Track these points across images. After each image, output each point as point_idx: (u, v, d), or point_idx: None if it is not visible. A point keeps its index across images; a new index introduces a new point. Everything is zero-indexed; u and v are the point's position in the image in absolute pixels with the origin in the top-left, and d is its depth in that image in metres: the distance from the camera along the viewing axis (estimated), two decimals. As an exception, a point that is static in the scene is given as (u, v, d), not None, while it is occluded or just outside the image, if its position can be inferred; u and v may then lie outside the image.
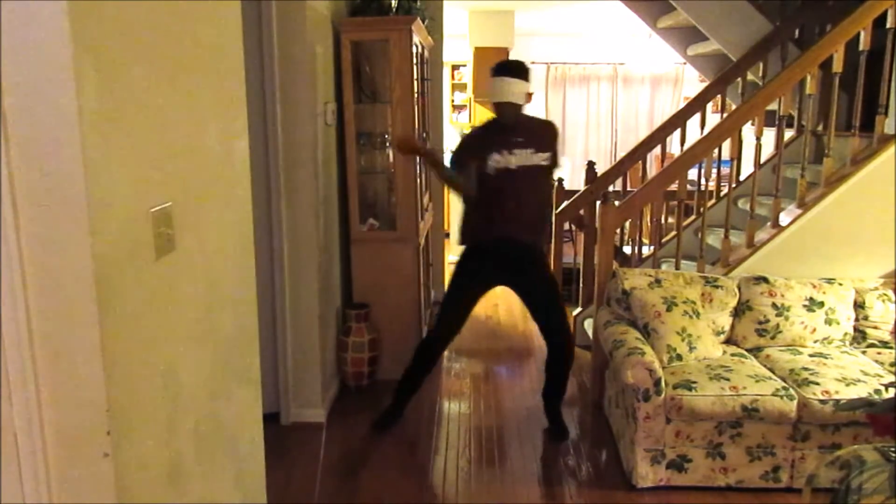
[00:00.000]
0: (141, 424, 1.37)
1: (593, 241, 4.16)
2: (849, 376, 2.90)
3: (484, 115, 8.22)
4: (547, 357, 3.41)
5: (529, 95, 3.18)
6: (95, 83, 1.18)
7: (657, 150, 5.32)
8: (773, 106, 3.82)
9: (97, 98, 1.19)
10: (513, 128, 3.16)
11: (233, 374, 1.86)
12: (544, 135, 3.25)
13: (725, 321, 3.39)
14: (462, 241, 3.34)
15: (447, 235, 6.79)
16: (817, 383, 2.84)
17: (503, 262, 3.25)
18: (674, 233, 4.17)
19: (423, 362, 3.42)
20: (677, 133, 4.92)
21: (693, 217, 4.87)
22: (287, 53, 3.14)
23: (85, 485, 1.26)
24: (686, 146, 4.55)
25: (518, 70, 3.13)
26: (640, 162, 5.19)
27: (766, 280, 3.38)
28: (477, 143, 3.25)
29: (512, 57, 7.87)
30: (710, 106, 5.04)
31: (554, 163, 3.25)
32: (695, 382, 2.84)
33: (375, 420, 3.45)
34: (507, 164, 3.13)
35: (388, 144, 3.97)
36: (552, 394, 3.46)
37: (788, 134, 4.44)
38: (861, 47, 3.44)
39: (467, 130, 3.40)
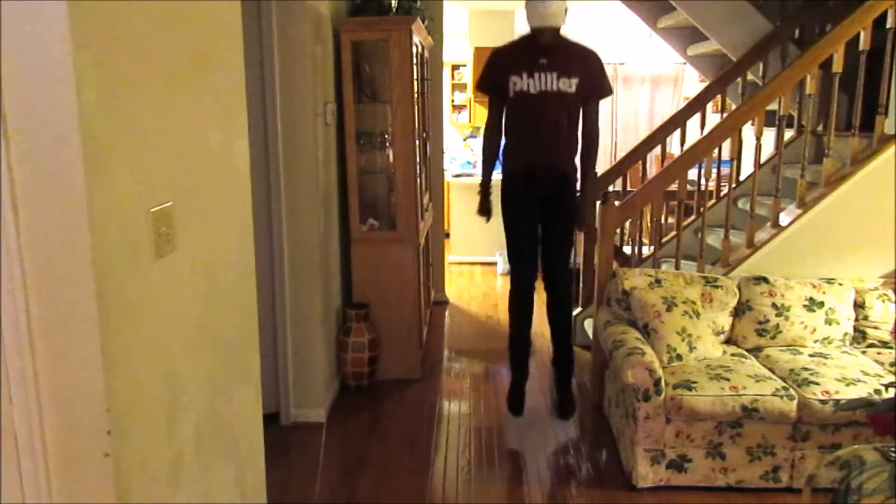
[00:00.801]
0: (141, 424, 1.37)
1: (593, 241, 4.16)
2: (849, 376, 2.90)
3: (484, 115, 8.23)
4: (547, 305, 3.39)
5: (566, 12, 3.00)
6: (95, 83, 1.18)
7: (657, 150, 5.32)
8: (773, 106, 3.82)
9: (97, 98, 1.19)
10: (540, 50, 2.98)
11: (233, 374, 1.86)
12: (577, 60, 3.04)
13: (725, 321, 3.39)
14: (502, 175, 3.28)
15: (447, 235, 6.80)
16: (817, 383, 2.84)
17: (534, 190, 3.17)
18: (674, 233, 4.17)
19: (522, 315, 3.38)
20: (677, 133, 4.92)
21: (693, 217, 4.87)
22: (287, 53, 3.14)
23: (85, 485, 1.26)
24: (686, 146, 4.55)
25: None
26: (640, 162, 5.19)
27: (766, 280, 3.38)
28: (500, 62, 3.10)
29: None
30: (710, 106, 5.04)
31: (591, 93, 3.05)
32: (695, 382, 2.84)
33: (510, 402, 3.43)
34: (525, 88, 2.99)
35: (388, 144, 3.97)
36: (560, 359, 3.45)
37: (788, 134, 4.44)
38: (861, 47, 3.44)
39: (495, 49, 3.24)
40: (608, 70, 9.66)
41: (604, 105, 9.97)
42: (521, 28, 7.90)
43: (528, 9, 2.98)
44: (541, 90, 2.99)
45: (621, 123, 9.13)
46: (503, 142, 3.25)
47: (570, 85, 2.99)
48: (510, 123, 3.11)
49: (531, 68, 2.98)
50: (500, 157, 3.28)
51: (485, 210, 3.37)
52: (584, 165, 3.21)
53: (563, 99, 3.01)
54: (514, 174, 3.21)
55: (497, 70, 3.10)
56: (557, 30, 2.98)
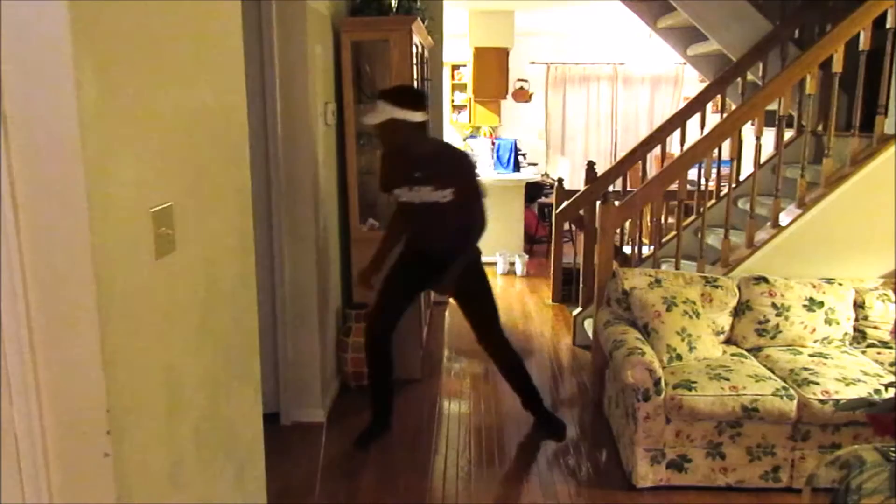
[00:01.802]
0: (141, 424, 1.37)
1: (593, 241, 4.16)
2: (849, 376, 2.90)
3: (484, 115, 8.23)
4: (498, 368, 3.41)
5: (406, 123, 2.93)
6: (95, 83, 1.18)
7: (657, 150, 5.32)
8: (772, 106, 3.82)
9: (97, 98, 1.19)
10: (415, 160, 3.05)
11: (233, 374, 1.86)
12: (445, 169, 3.07)
13: (725, 321, 3.39)
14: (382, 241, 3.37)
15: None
16: (817, 383, 2.84)
17: (428, 272, 3.20)
18: (674, 233, 4.18)
19: (376, 361, 3.33)
20: (677, 133, 4.93)
21: (693, 217, 4.87)
22: (287, 53, 3.14)
23: (85, 485, 1.26)
24: (686, 146, 4.55)
25: (390, 95, 2.98)
26: (640, 162, 5.20)
27: (765, 280, 3.38)
28: (387, 172, 3.22)
29: (511, 56, 7.92)
30: (710, 106, 5.04)
31: (464, 196, 3.06)
32: (695, 382, 2.84)
33: (359, 436, 3.30)
34: (409, 199, 3.10)
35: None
36: (528, 402, 3.42)
37: (788, 134, 4.44)
38: (861, 47, 3.44)
39: (382, 153, 3.34)
40: (608, 70, 9.61)
41: (604, 105, 9.95)
42: (521, 28, 7.91)
43: (380, 112, 2.97)
44: (422, 201, 3.09)
45: (621, 123, 9.14)
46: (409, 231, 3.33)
47: (444, 196, 3.05)
48: (405, 216, 3.25)
49: (410, 182, 3.07)
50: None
51: (372, 270, 3.34)
52: (462, 242, 3.17)
53: (443, 207, 3.07)
54: (412, 252, 3.30)
55: (387, 179, 3.23)
56: (417, 126, 2.97)
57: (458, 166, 3.13)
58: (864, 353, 3.26)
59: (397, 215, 3.34)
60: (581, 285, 4.78)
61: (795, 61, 3.62)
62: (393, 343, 3.33)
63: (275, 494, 2.62)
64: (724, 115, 4.60)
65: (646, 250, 4.98)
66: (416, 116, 2.95)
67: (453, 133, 8.43)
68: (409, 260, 3.31)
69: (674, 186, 3.91)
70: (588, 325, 4.44)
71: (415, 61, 3.80)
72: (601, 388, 3.66)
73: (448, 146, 3.21)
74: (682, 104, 5.75)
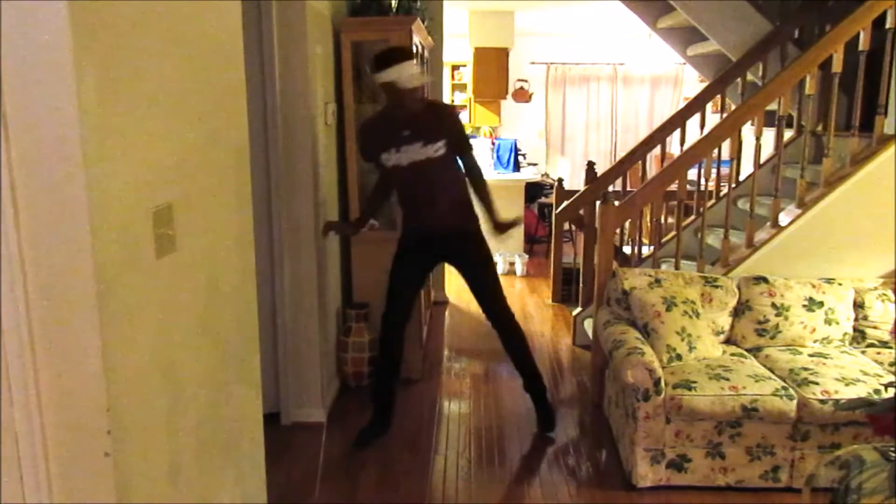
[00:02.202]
0: (141, 424, 1.37)
1: (593, 241, 4.16)
2: (848, 376, 2.90)
3: (484, 115, 8.23)
4: (501, 342, 3.41)
5: (394, 84, 2.95)
6: (95, 83, 1.18)
7: (657, 150, 5.32)
8: (772, 106, 3.82)
9: (97, 98, 1.19)
10: (400, 121, 3.03)
11: (233, 374, 1.86)
12: (436, 122, 3.08)
13: (725, 321, 3.39)
14: (401, 232, 3.35)
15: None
16: (817, 383, 2.84)
17: (430, 251, 3.26)
18: (673, 233, 4.17)
19: (389, 357, 3.35)
20: (677, 133, 4.93)
21: (693, 217, 4.87)
22: (287, 53, 3.14)
23: (85, 485, 1.26)
24: (686, 146, 4.55)
25: (401, 54, 2.98)
26: (640, 162, 5.19)
27: (765, 280, 3.38)
28: (369, 139, 3.18)
29: (511, 56, 7.92)
30: (709, 106, 5.04)
31: (457, 148, 3.09)
32: (694, 382, 2.84)
33: (359, 434, 3.30)
34: (398, 163, 3.06)
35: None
36: (530, 384, 3.44)
37: (788, 134, 4.45)
38: (861, 47, 3.44)
39: (362, 122, 3.34)
40: (608, 70, 9.60)
41: (604, 105, 9.96)
42: (521, 28, 7.91)
43: (377, 79, 3.00)
44: (412, 161, 3.05)
45: (621, 123, 9.14)
46: (399, 206, 3.32)
47: (437, 149, 3.04)
48: (398, 194, 3.23)
49: (397, 143, 3.04)
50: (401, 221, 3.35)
51: (332, 228, 3.37)
52: (484, 204, 3.23)
53: (434, 163, 3.06)
54: (409, 237, 3.29)
55: (369, 147, 3.19)
56: (414, 91, 3.01)
57: (446, 117, 3.15)
58: (863, 353, 3.26)
59: (377, 190, 3.29)
60: (581, 285, 4.78)
61: (795, 61, 3.62)
62: (404, 342, 3.35)
63: (275, 494, 2.62)
64: (724, 115, 4.59)
65: (646, 250, 4.98)
66: (415, 68, 2.98)
67: (453, 133, 8.42)
68: (409, 247, 3.27)
69: (674, 186, 3.91)
70: (588, 325, 4.44)
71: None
72: (601, 388, 3.66)
73: (434, 101, 3.18)
74: (682, 104, 5.76)
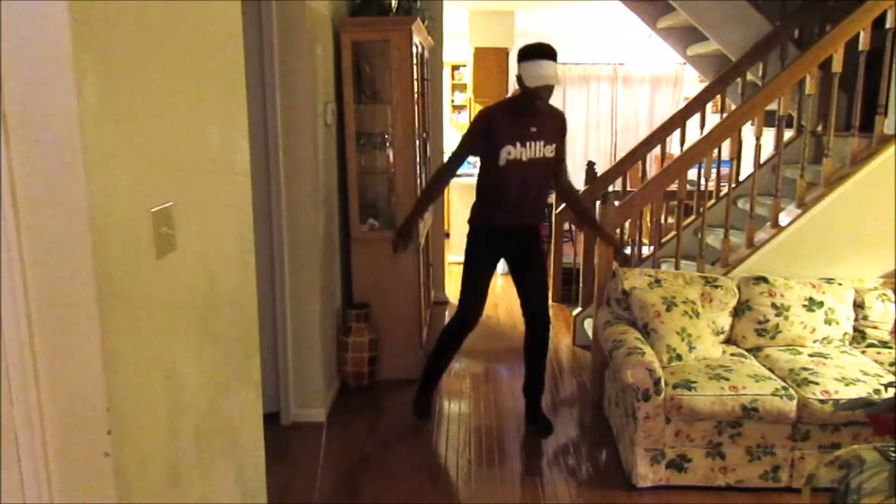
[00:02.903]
0: (141, 424, 1.37)
1: (593, 241, 4.16)
2: (848, 376, 2.90)
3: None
4: (525, 341, 3.45)
5: (557, 78, 3.08)
6: (95, 83, 1.18)
7: (657, 150, 5.33)
8: (772, 106, 3.82)
9: (97, 98, 1.19)
10: (533, 116, 3.07)
11: (233, 374, 1.86)
12: (555, 125, 3.19)
13: (725, 321, 3.39)
14: (470, 222, 3.34)
15: (447, 235, 6.79)
16: (817, 383, 2.84)
17: (506, 245, 3.32)
18: (674, 233, 4.18)
19: (450, 348, 3.46)
20: (677, 133, 4.93)
21: (693, 217, 4.87)
22: (287, 53, 3.14)
23: (85, 485, 1.26)
24: (686, 146, 4.55)
25: (552, 52, 3.02)
26: (640, 162, 5.19)
27: (765, 280, 3.38)
28: (495, 129, 3.11)
29: (511, 56, 7.91)
30: (709, 106, 5.04)
31: (559, 155, 3.23)
32: (694, 382, 2.84)
33: (416, 409, 3.51)
34: (518, 157, 3.09)
35: (388, 144, 3.97)
36: (532, 386, 3.48)
37: (788, 134, 4.45)
38: (861, 47, 3.44)
39: (483, 109, 3.29)
40: (608, 70, 9.60)
41: (604, 105, 9.95)
42: (521, 28, 7.91)
43: (524, 69, 3.01)
44: (531, 158, 3.11)
45: (621, 123, 9.14)
46: (479, 196, 3.32)
47: (551, 150, 3.16)
48: (492, 183, 3.20)
49: (524, 138, 3.07)
50: (475, 208, 3.34)
51: (406, 237, 3.30)
52: (584, 218, 3.50)
53: (545, 164, 3.16)
54: (488, 229, 3.31)
55: (492, 137, 3.11)
56: (552, 90, 3.07)
57: (562, 123, 3.24)
58: (863, 352, 3.26)
59: (446, 173, 3.29)
60: (581, 285, 4.78)
61: (795, 61, 3.63)
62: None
63: (275, 494, 2.62)
64: (724, 115, 4.60)
65: (646, 250, 4.98)
66: (538, 70, 2.98)
67: (453, 133, 8.43)
68: (488, 241, 3.31)
69: (674, 186, 3.91)
70: (588, 325, 4.44)
71: (415, 61, 3.80)
72: (601, 388, 3.66)
73: (551, 105, 3.18)
74: (682, 104, 5.76)
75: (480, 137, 3.14)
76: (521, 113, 3.09)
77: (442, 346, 3.46)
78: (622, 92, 9.05)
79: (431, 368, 3.52)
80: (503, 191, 3.16)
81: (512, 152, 3.08)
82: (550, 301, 5.61)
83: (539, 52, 3.00)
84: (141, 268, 1.36)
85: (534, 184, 3.18)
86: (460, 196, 6.77)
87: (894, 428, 2.07)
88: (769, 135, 4.51)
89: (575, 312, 4.74)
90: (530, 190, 3.19)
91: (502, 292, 5.84)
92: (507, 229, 3.28)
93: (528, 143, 3.08)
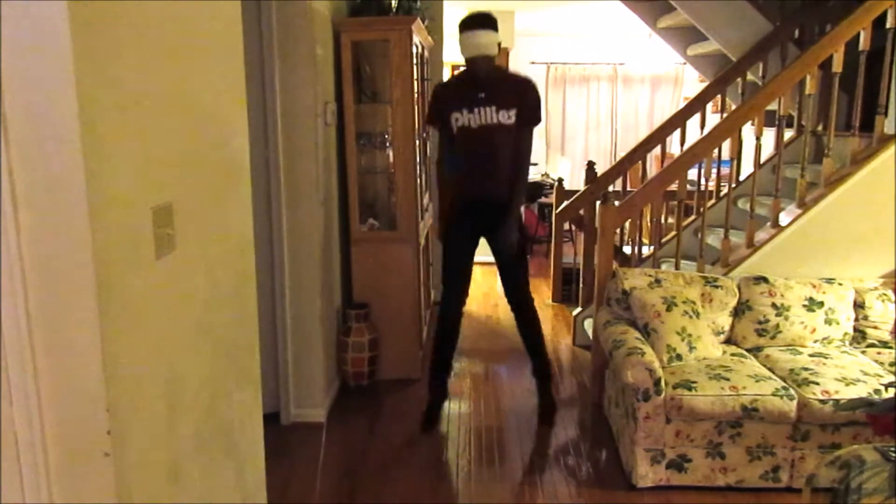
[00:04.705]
0: (141, 424, 1.37)
1: (593, 241, 4.16)
2: (849, 376, 2.90)
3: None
4: (516, 324, 3.48)
5: (499, 46, 3.10)
6: (95, 83, 1.18)
7: (657, 150, 5.32)
8: (772, 106, 3.82)
9: (97, 97, 1.19)
10: (479, 84, 3.09)
11: (233, 374, 1.86)
12: (513, 91, 3.13)
13: (725, 321, 3.39)
14: (440, 199, 3.39)
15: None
16: (817, 383, 2.84)
17: (478, 220, 3.30)
18: (674, 233, 4.17)
19: (446, 336, 3.46)
20: (677, 133, 4.93)
21: (693, 217, 4.87)
22: (287, 53, 3.14)
23: (85, 485, 1.26)
24: (686, 146, 4.55)
25: (488, 21, 3.05)
26: (640, 162, 5.19)
27: (765, 280, 3.38)
28: (441, 98, 3.24)
29: (511, 56, 7.92)
30: (710, 106, 5.04)
31: (526, 120, 3.13)
32: (695, 382, 2.84)
33: (423, 419, 3.45)
34: (467, 123, 3.10)
35: (388, 144, 3.97)
36: (537, 368, 3.52)
37: (788, 134, 4.44)
38: (861, 47, 3.44)
39: (437, 83, 3.44)
40: (608, 70, 9.59)
41: (604, 105, 9.94)
42: (521, 28, 7.91)
43: (460, 42, 3.09)
44: (481, 124, 3.10)
45: (621, 123, 9.14)
46: (449, 171, 3.37)
47: (508, 117, 3.10)
48: (455, 156, 3.24)
49: (471, 104, 3.09)
50: (445, 185, 3.41)
51: (444, 228, 3.43)
52: (512, 188, 3.21)
53: (503, 131, 3.12)
54: (457, 204, 3.34)
55: (440, 106, 3.22)
56: (492, 60, 3.07)
57: (525, 89, 3.17)
58: (864, 353, 3.26)
59: (442, 164, 3.31)
60: (581, 285, 4.78)
61: (795, 61, 3.62)
62: (462, 316, 3.45)
63: (275, 494, 2.62)
64: (724, 115, 4.60)
65: (646, 250, 4.97)
66: (499, 37, 3.04)
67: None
68: (461, 215, 3.32)
69: (674, 186, 3.91)
70: (588, 325, 4.44)
71: (415, 61, 3.80)
72: (601, 388, 3.66)
73: (512, 72, 3.24)
74: (682, 104, 5.75)
75: (432, 108, 3.28)
76: (469, 82, 3.13)
77: (435, 343, 3.49)
78: (622, 92, 9.05)
79: (433, 366, 3.54)
80: (462, 160, 3.20)
81: (460, 119, 3.11)
82: (551, 301, 5.61)
83: (473, 22, 3.04)
84: (141, 268, 1.36)
85: (491, 151, 3.14)
86: (460, 196, 6.76)
87: (894, 428, 2.06)
88: (769, 135, 4.51)
89: (575, 312, 4.73)
90: (489, 159, 3.15)
91: (501, 291, 5.84)
92: (475, 200, 3.26)
93: (475, 109, 3.09)
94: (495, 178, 3.19)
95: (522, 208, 3.61)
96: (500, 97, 3.08)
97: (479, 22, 3.03)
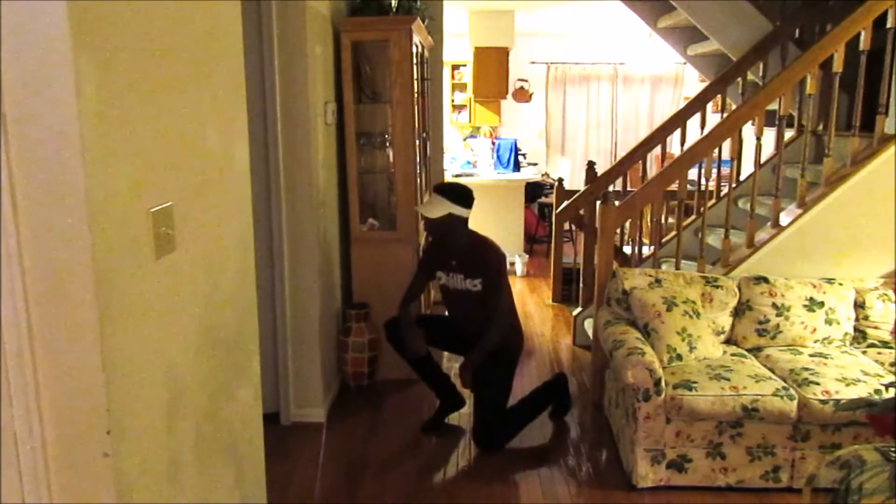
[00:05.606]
0: (141, 424, 1.37)
1: (593, 241, 4.16)
2: (849, 376, 2.89)
3: (484, 115, 8.23)
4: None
5: (450, 215, 3.15)
6: (95, 83, 1.18)
7: (657, 150, 5.32)
8: (773, 106, 3.82)
9: (97, 98, 1.19)
10: (450, 251, 3.29)
11: (233, 374, 1.86)
12: (477, 261, 3.24)
13: (725, 321, 3.39)
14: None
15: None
16: (817, 383, 2.84)
17: (461, 338, 3.39)
18: (674, 233, 4.17)
19: (424, 377, 3.52)
20: (677, 133, 4.93)
21: (693, 217, 4.87)
22: (287, 53, 3.14)
23: (85, 485, 1.26)
24: (686, 146, 4.55)
25: (442, 190, 3.22)
26: (640, 162, 5.19)
27: (766, 280, 3.38)
28: (432, 256, 3.42)
29: (511, 56, 7.92)
30: (710, 106, 5.04)
31: (493, 286, 3.22)
32: (695, 382, 2.84)
33: (427, 421, 3.49)
34: (447, 283, 3.36)
35: (388, 144, 3.97)
36: (555, 408, 3.60)
37: (788, 134, 4.44)
38: (861, 47, 3.43)
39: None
40: (608, 70, 9.59)
41: (604, 105, 9.94)
42: (521, 28, 7.91)
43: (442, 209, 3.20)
44: (456, 288, 3.32)
45: (621, 123, 9.13)
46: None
47: (475, 285, 3.26)
48: (445, 301, 3.51)
49: (447, 268, 3.33)
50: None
51: (416, 346, 3.31)
52: (483, 336, 3.21)
53: (473, 295, 3.28)
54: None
55: (429, 261, 3.45)
56: (437, 223, 3.18)
57: (487, 259, 3.26)
58: (864, 353, 3.25)
59: (407, 300, 3.39)
60: (581, 285, 4.78)
61: (795, 61, 3.62)
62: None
63: (275, 494, 2.62)
64: (724, 115, 4.59)
65: (646, 250, 4.97)
66: (466, 213, 3.21)
67: (453, 133, 8.43)
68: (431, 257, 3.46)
69: (674, 186, 3.91)
70: (588, 325, 4.43)
71: (415, 61, 3.80)
72: (601, 388, 3.66)
73: (483, 240, 3.32)
74: (682, 104, 5.75)
75: (423, 261, 3.52)
76: (446, 245, 3.31)
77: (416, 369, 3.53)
78: (622, 92, 9.05)
79: (427, 381, 3.55)
80: (448, 305, 3.47)
81: (443, 277, 3.36)
82: (551, 301, 5.61)
83: (435, 187, 3.28)
84: (140, 268, 1.36)
85: (466, 312, 3.34)
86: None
87: (895, 428, 2.06)
88: (770, 134, 4.51)
89: (575, 312, 4.73)
90: (465, 317, 3.36)
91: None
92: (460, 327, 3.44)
93: (451, 274, 3.31)
94: (470, 328, 3.31)
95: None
96: (467, 267, 3.26)
97: (437, 188, 3.26)
